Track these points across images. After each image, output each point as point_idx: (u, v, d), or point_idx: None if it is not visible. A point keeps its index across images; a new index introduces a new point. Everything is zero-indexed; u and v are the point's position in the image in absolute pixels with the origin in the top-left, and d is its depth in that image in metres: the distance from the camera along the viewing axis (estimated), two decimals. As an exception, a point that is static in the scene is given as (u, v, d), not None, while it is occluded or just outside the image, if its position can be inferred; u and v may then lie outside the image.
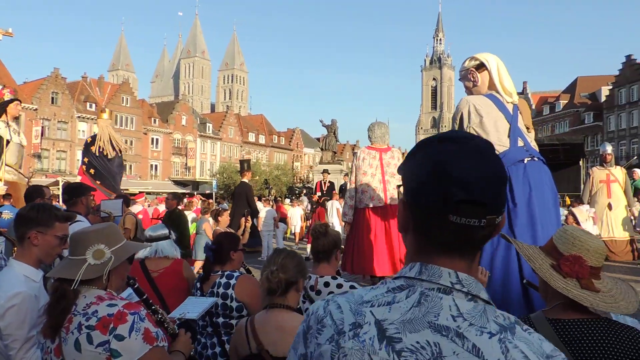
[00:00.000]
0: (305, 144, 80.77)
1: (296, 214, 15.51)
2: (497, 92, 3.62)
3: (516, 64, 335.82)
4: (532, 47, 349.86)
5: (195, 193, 37.26)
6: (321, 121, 26.49)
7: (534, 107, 65.35)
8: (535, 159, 3.49)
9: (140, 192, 15.03)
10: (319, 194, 20.19)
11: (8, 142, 7.57)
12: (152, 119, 56.95)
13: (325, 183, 20.08)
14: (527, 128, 3.67)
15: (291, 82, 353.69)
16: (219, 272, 3.01)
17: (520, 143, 3.50)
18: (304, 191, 35.37)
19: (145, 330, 1.78)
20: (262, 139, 71.84)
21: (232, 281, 2.88)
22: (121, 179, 9.67)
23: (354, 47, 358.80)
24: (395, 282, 0.87)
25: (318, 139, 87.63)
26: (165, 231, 3.70)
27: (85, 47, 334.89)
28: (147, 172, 55.76)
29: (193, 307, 2.54)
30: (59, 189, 29.46)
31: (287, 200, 19.73)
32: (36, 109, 44.86)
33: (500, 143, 3.46)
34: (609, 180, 9.02)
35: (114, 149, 9.18)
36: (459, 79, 4.02)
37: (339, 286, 2.60)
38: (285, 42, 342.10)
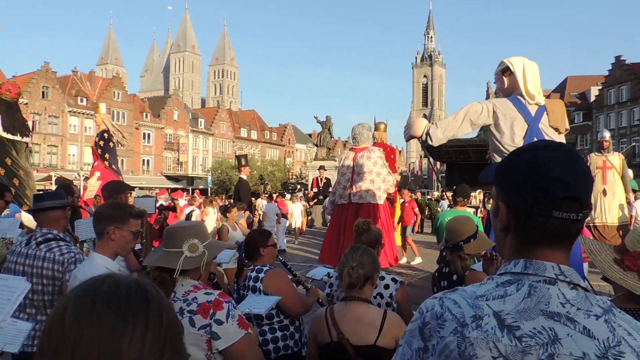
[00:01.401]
0: (297, 139, 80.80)
1: (297, 209, 15.64)
2: (521, 94, 3.75)
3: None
4: (522, 46, 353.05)
5: (190, 188, 37.23)
6: (316, 117, 26.57)
7: (524, 105, 65.93)
8: None
9: (161, 189, 15.10)
10: (315, 190, 20.36)
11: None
12: (144, 113, 56.62)
13: (321, 179, 20.23)
14: (557, 129, 3.75)
15: (282, 78, 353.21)
16: (251, 267, 3.16)
17: None
18: (298, 187, 35.45)
19: (239, 317, 1.97)
20: (254, 135, 71.73)
21: (261, 275, 3.02)
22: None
23: (345, 43, 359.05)
24: (503, 277, 0.99)
25: (310, 135, 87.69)
26: None
27: (73, 41, 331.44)
28: (139, 167, 55.46)
29: (258, 304, 2.70)
30: (51, 183, 29.06)
31: (288, 196, 19.80)
32: (27, 104, 44.32)
33: (512, 144, 3.59)
34: (605, 166, 9.24)
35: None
36: (494, 82, 4.20)
37: (381, 278, 2.73)
38: (276, 37, 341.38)
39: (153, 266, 2.03)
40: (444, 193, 28.21)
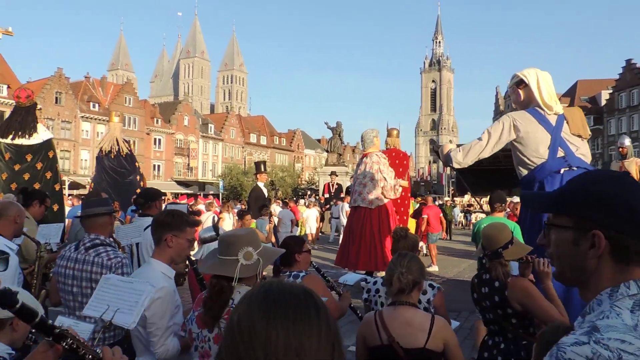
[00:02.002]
0: (306, 145, 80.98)
1: (312, 215, 15.70)
2: (538, 105, 3.75)
3: (515, 67, 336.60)
4: (531, 50, 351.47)
5: (201, 194, 37.46)
6: (326, 123, 26.70)
7: (534, 110, 65.69)
8: (574, 168, 3.56)
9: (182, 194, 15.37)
10: (326, 195, 20.46)
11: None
12: (155, 119, 57.08)
13: (332, 185, 20.35)
14: (580, 136, 3.76)
15: (291, 83, 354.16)
16: (287, 273, 3.24)
17: (561, 153, 3.60)
18: (308, 192, 35.54)
19: None
20: (263, 140, 72.01)
21: (298, 280, 3.10)
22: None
23: (353, 48, 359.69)
24: (625, 302, 1.01)
25: (318, 140, 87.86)
26: (213, 233, 3.91)
27: (84, 47, 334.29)
28: (150, 172, 55.84)
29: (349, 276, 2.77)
30: (65, 188, 29.36)
31: (302, 202, 19.85)
32: (40, 109, 44.84)
33: (538, 155, 3.61)
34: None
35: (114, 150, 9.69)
36: (509, 95, 4.26)
37: None
38: (284, 42, 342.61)
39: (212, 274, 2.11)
40: (453, 198, 28.03)
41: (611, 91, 53.53)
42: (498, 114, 74.54)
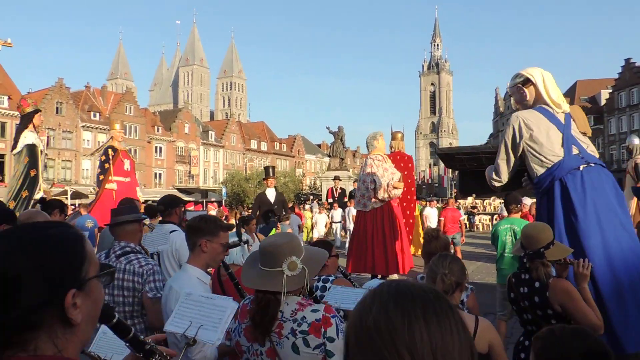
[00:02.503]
0: (307, 150, 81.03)
1: (321, 220, 15.79)
2: (546, 104, 3.74)
3: (515, 68, 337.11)
4: (529, 50, 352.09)
5: (203, 201, 37.44)
6: (328, 128, 26.70)
7: (534, 111, 65.80)
8: (592, 164, 3.57)
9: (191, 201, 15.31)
10: (330, 200, 20.46)
11: (41, 152, 7.84)
12: (156, 127, 57.16)
13: (336, 190, 20.32)
14: (584, 133, 3.82)
15: (289, 89, 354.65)
16: (316, 277, 3.22)
17: (575, 151, 3.60)
18: (311, 197, 35.52)
19: None
20: (264, 146, 72.07)
21: (328, 284, 3.09)
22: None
23: (351, 52, 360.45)
24: None
25: (319, 146, 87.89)
26: (236, 239, 3.90)
27: (83, 57, 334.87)
28: (152, 181, 55.88)
29: (345, 298, 2.68)
30: (67, 198, 29.29)
31: (314, 206, 19.85)
32: (41, 116, 44.95)
33: (554, 153, 3.59)
34: (626, 171, 9.33)
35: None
36: (509, 95, 4.25)
37: None
38: (282, 48, 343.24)
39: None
40: (456, 199, 27.89)
41: (611, 90, 53.62)
42: (498, 116, 74.64)
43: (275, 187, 10.59)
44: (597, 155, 3.73)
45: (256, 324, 1.97)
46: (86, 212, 11.19)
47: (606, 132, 53.76)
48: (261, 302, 1.96)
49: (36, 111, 7.94)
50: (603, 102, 55.11)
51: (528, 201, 9.31)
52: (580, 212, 3.42)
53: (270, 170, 10.72)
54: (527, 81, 3.81)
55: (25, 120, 7.89)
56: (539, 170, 3.70)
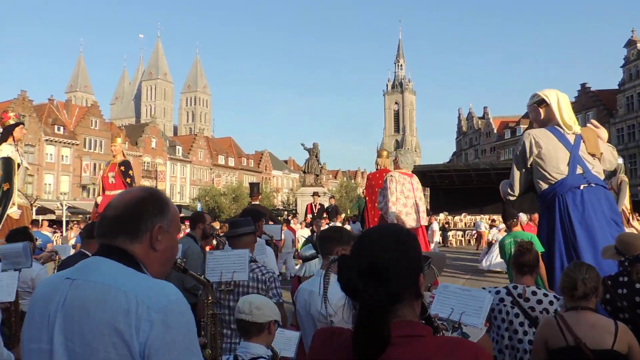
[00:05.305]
0: (274, 166, 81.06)
1: (305, 235, 15.98)
2: (558, 124, 4.02)
3: (476, 89, 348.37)
4: (492, 73, 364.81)
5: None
6: (302, 144, 26.95)
7: (495, 131, 68.11)
8: (593, 184, 3.85)
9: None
10: (310, 216, 20.69)
11: (19, 165, 7.61)
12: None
13: (315, 205, 20.58)
14: (594, 155, 4.02)
15: (255, 104, 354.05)
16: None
17: (579, 170, 3.87)
18: (285, 213, 35.56)
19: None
20: (231, 162, 71.67)
21: None
22: None
23: (317, 71, 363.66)
24: None
25: (285, 162, 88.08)
26: (313, 251, 4.13)
27: (42, 69, 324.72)
28: (117, 196, 54.55)
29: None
30: (32, 214, 28.30)
31: (295, 222, 19.97)
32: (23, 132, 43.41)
33: (559, 171, 3.88)
34: (609, 188, 9.97)
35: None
36: (528, 113, 4.64)
37: (545, 295, 3.11)
38: (248, 63, 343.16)
39: None
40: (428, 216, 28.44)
41: (567, 113, 56.25)
42: (461, 135, 76.86)
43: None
44: (602, 177, 4.01)
45: None
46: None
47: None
48: None
49: (18, 124, 7.78)
50: (560, 123, 57.69)
51: (523, 217, 9.85)
52: (577, 228, 3.71)
53: (255, 188, 11.20)
54: (542, 102, 4.08)
55: (5, 133, 7.75)
56: (543, 186, 3.98)
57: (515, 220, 6.31)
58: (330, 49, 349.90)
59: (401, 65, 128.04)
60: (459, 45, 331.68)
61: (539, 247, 3.73)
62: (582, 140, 3.99)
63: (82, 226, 15.95)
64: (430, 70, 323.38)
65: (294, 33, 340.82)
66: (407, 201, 7.39)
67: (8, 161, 7.50)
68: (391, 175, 7.69)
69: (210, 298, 2.03)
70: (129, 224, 1.34)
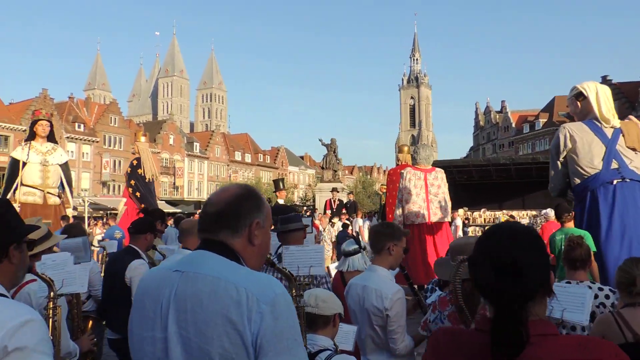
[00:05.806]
0: (290, 162, 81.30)
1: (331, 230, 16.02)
2: (596, 118, 3.97)
3: (493, 82, 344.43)
4: (509, 67, 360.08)
5: (197, 212, 37.19)
6: (320, 140, 26.98)
7: (513, 125, 67.32)
8: (627, 180, 3.79)
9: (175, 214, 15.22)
10: (329, 212, 20.75)
11: (24, 164, 7.71)
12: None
13: (334, 201, 20.62)
14: (634, 149, 3.92)
15: (270, 100, 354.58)
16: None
17: (615, 165, 3.81)
18: (304, 209, 35.66)
19: None
20: (248, 158, 72.08)
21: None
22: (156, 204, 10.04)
23: (332, 65, 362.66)
24: None
25: (302, 157, 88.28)
26: (356, 246, 4.18)
27: (61, 67, 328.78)
28: (136, 192, 55.26)
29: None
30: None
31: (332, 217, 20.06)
32: (25, 130, 44.21)
33: (592, 166, 3.85)
34: None
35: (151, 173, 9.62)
36: (567, 106, 4.61)
37: (600, 289, 3.06)
38: (263, 59, 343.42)
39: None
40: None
41: (587, 106, 55.33)
42: (478, 129, 76.22)
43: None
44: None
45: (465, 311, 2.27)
46: (114, 223, 11.24)
47: (584, 146, 55.37)
48: (467, 291, 2.26)
49: (37, 120, 7.97)
50: (580, 117, 56.80)
51: (551, 213, 9.74)
52: (604, 224, 3.69)
53: (281, 183, 11.33)
54: (580, 95, 4.05)
55: (29, 131, 8.05)
56: (576, 180, 3.97)
57: (569, 215, 6.04)
58: (345, 44, 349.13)
59: (417, 59, 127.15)
60: (475, 38, 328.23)
61: (590, 244, 3.71)
62: (621, 134, 3.93)
63: (109, 222, 16.18)
64: (446, 64, 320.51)
65: (308, 28, 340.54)
66: (417, 199, 7.41)
67: (14, 162, 7.76)
68: (402, 172, 7.81)
69: (294, 291, 2.10)
70: (230, 220, 1.41)
